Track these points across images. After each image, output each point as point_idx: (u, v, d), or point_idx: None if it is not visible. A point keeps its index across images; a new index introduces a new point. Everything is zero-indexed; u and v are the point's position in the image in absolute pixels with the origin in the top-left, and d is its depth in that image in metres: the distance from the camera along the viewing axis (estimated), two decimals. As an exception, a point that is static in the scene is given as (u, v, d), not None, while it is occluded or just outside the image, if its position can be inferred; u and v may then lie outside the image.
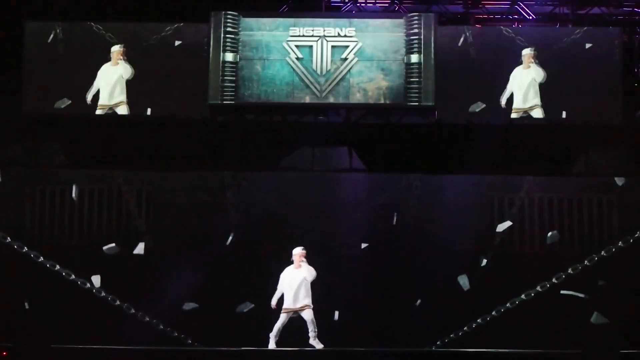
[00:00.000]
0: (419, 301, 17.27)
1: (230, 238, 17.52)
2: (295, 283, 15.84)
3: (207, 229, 17.46)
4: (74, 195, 17.63)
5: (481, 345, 16.20)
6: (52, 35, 16.57)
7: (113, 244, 17.52)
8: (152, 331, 17.24)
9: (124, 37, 16.64)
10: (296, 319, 15.91)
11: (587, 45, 16.39)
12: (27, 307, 17.20)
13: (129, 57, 16.75)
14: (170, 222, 17.52)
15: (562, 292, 17.26)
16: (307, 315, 15.75)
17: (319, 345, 15.60)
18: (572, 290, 17.31)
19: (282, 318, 15.86)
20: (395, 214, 17.53)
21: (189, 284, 17.10)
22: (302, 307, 15.77)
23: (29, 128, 16.63)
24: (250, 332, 16.43)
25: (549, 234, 17.56)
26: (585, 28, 16.62)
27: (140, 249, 17.50)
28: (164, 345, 16.67)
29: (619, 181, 17.39)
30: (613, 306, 17.16)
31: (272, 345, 15.80)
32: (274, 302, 15.93)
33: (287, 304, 15.87)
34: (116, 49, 16.72)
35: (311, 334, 15.67)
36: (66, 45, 16.60)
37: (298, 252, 16.00)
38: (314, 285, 16.06)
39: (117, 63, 16.76)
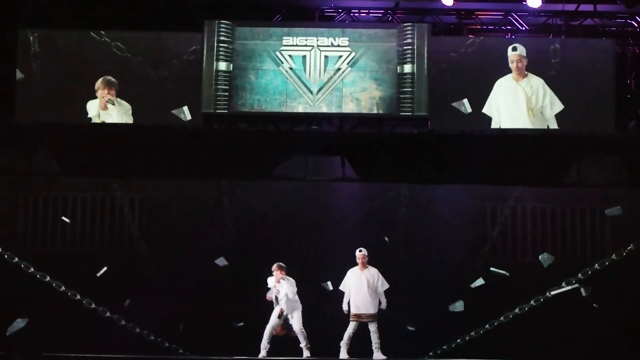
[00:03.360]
0: (410, 326, 17.33)
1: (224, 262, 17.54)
2: (361, 287, 15.63)
3: (201, 238, 17.43)
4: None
5: (475, 357, 16.15)
6: (47, 43, 16.55)
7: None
8: (144, 342, 17.18)
9: (118, 44, 16.56)
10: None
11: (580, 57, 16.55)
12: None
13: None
14: (164, 232, 17.50)
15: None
16: (373, 327, 15.54)
17: (382, 357, 15.46)
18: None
19: (353, 325, 15.61)
20: (386, 222, 17.57)
21: (181, 292, 17.05)
22: (370, 315, 15.58)
23: (22, 136, 16.65)
24: (242, 340, 16.37)
25: (542, 256, 17.56)
26: (578, 39, 16.74)
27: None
28: (155, 355, 16.62)
29: (610, 212, 17.45)
30: (607, 319, 17.13)
31: (343, 354, 15.51)
32: (344, 307, 15.70)
33: (355, 310, 15.63)
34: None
35: (375, 345, 15.51)
36: (60, 53, 16.56)
37: (361, 255, 15.74)
38: (306, 292, 16.08)
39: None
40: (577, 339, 16.94)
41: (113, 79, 16.55)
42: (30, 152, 16.81)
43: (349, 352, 15.54)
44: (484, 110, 16.43)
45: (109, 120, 16.51)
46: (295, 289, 15.62)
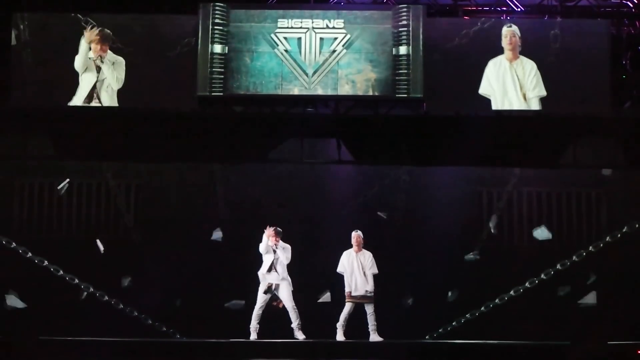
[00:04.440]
0: (410, 300, 17.36)
1: (219, 234, 17.53)
2: (356, 269, 15.83)
3: (196, 222, 17.52)
4: (61, 187, 17.63)
5: (471, 338, 16.24)
6: (40, 27, 16.48)
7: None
8: (141, 325, 17.25)
9: (111, 28, 16.43)
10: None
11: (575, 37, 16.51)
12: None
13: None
14: (159, 215, 17.54)
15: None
16: (370, 309, 15.69)
17: (378, 339, 15.57)
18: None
19: (348, 306, 15.78)
20: (384, 206, 17.63)
21: (177, 277, 17.11)
22: (365, 296, 15.72)
23: (17, 120, 16.59)
24: (238, 325, 16.42)
25: (537, 230, 17.60)
26: (574, 20, 16.70)
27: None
28: (152, 338, 16.67)
29: (606, 172, 17.44)
30: (601, 300, 17.21)
31: (340, 336, 15.67)
32: (347, 289, 15.88)
33: (350, 291, 15.82)
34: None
35: (372, 327, 15.64)
36: (55, 38, 16.47)
37: (356, 235, 16.00)
38: (303, 277, 16.12)
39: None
40: (572, 319, 17.04)
41: (109, 32, 16.30)
42: (24, 137, 16.74)
43: (345, 334, 15.60)
44: (481, 91, 16.38)
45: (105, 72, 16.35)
46: (289, 256, 15.73)
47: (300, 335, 15.60)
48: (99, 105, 16.29)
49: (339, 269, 15.99)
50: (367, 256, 15.89)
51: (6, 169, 17.58)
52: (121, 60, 16.29)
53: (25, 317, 17.02)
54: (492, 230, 17.74)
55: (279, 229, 15.85)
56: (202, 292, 17.32)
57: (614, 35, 16.55)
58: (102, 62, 16.26)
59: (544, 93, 16.25)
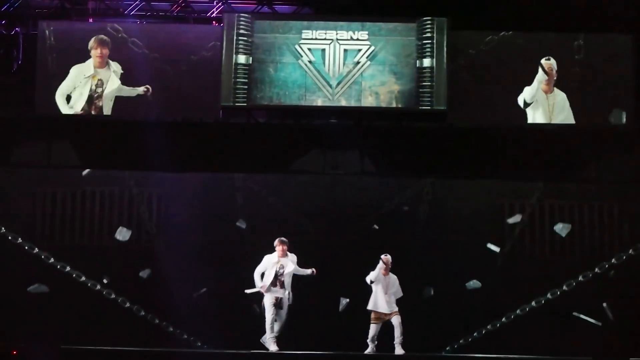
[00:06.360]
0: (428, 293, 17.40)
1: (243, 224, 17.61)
2: (384, 291, 15.58)
3: (217, 231, 17.49)
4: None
5: (491, 351, 16.16)
6: (65, 35, 16.57)
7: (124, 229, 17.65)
8: (162, 333, 17.28)
9: (135, 40, 16.54)
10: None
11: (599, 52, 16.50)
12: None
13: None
14: (181, 224, 17.54)
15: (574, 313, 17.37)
16: (396, 320, 15.54)
17: (401, 351, 15.45)
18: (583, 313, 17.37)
19: (374, 327, 15.51)
20: (406, 218, 17.63)
21: (197, 286, 17.17)
22: (392, 313, 15.53)
23: (41, 128, 16.72)
24: (256, 334, 16.45)
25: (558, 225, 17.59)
26: (598, 34, 16.65)
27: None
28: (174, 347, 16.70)
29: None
30: (623, 313, 17.15)
31: (370, 349, 15.53)
32: (371, 307, 15.66)
33: (380, 309, 15.55)
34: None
35: (398, 340, 15.47)
36: (79, 46, 16.58)
37: (386, 258, 15.58)
38: (323, 288, 16.14)
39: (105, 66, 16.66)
40: (594, 331, 16.99)
41: (106, 38, 16.55)
42: (48, 145, 16.84)
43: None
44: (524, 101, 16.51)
45: (106, 78, 16.56)
46: (295, 265, 15.57)
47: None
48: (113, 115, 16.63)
49: (369, 278, 15.78)
50: (394, 279, 15.78)
51: (30, 176, 17.61)
52: (118, 66, 16.57)
53: (47, 324, 17.03)
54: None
55: (284, 239, 15.52)
56: (222, 300, 17.29)
57: (638, 49, 16.51)
58: (104, 66, 16.58)
59: (572, 121, 16.29)
